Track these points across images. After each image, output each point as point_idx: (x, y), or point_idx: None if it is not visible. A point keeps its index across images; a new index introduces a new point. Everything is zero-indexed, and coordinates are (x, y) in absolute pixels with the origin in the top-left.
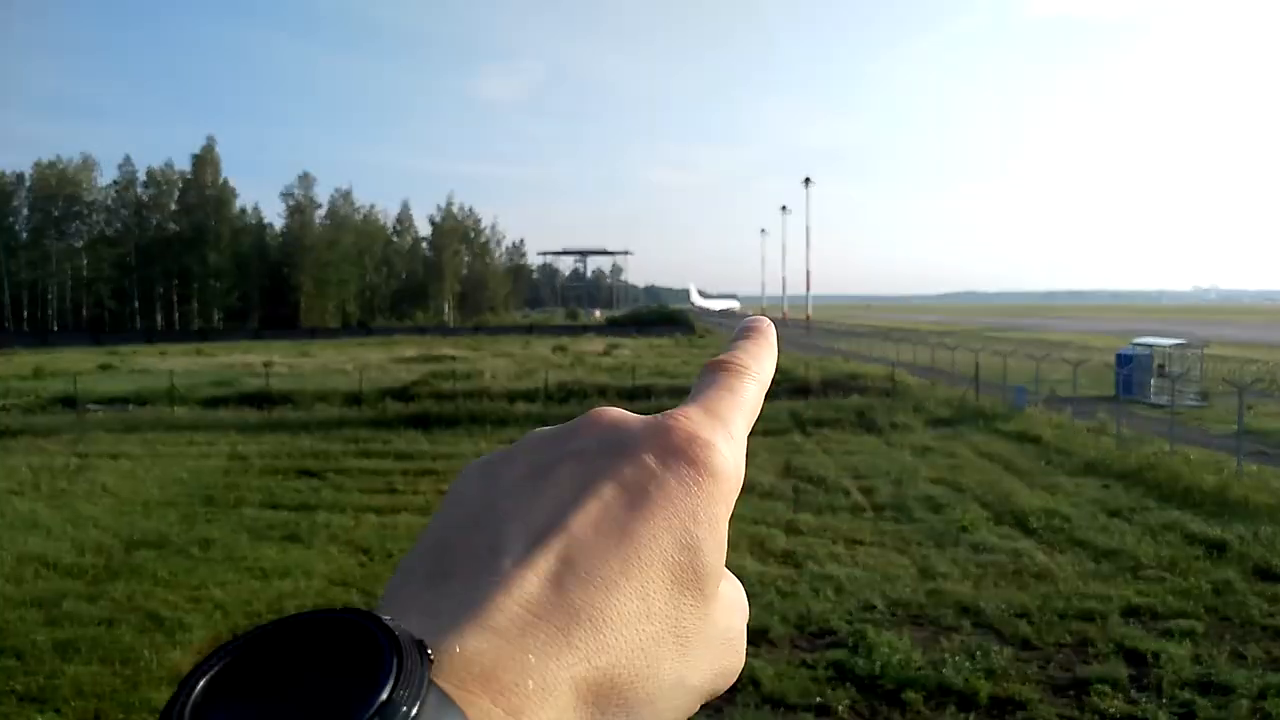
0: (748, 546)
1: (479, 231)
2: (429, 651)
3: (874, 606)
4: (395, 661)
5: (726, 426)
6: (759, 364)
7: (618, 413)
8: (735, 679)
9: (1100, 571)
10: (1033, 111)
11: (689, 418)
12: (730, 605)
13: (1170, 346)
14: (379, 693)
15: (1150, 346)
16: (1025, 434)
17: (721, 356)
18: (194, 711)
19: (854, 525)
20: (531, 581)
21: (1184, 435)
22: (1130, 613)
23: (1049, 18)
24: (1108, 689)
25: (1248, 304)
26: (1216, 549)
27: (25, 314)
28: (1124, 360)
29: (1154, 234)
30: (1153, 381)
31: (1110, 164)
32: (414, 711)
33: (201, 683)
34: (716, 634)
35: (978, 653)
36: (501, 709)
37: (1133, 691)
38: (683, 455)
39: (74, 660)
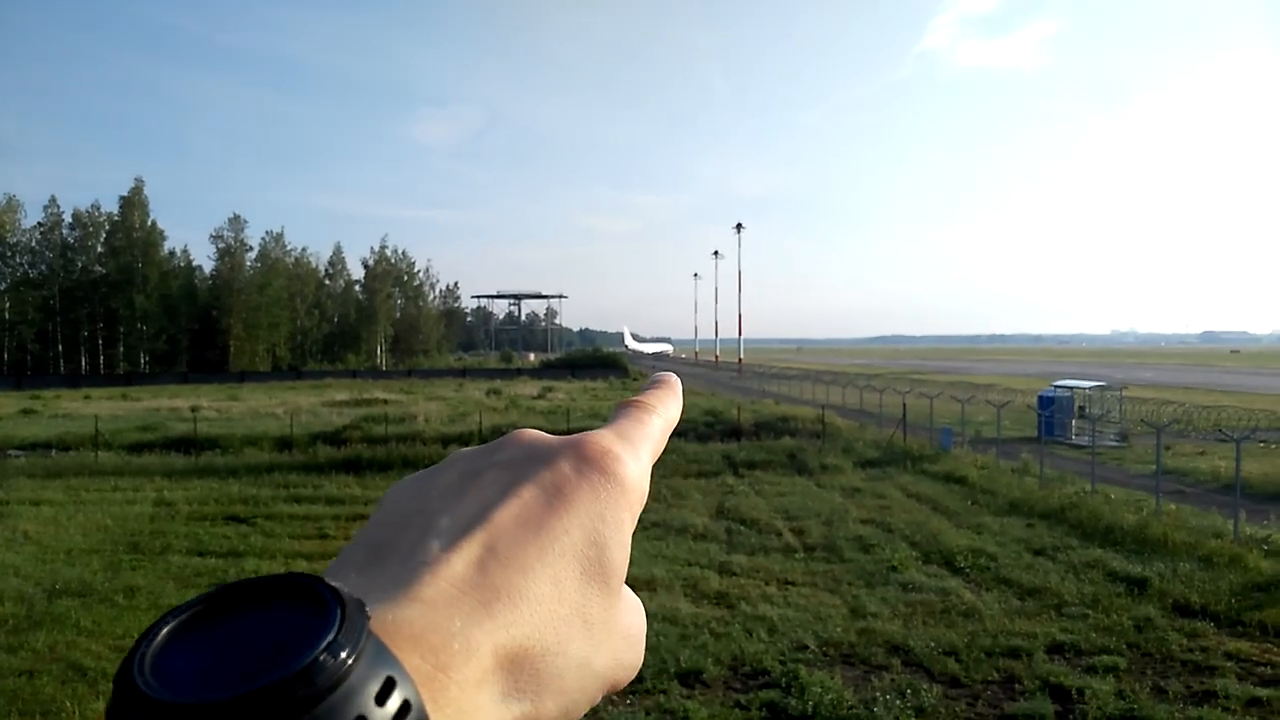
0: (681, 588)
1: (412, 275)
2: (367, 609)
3: (806, 646)
4: (340, 611)
5: (634, 448)
6: (665, 406)
7: (537, 432)
8: (635, 675)
9: (1025, 609)
10: (955, 161)
11: (603, 437)
12: (631, 606)
13: (1090, 389)
14: (325, 634)
15: (1071, 389)
16: (952, 475)
17: (634, 397)
18: (154, 656)
19: (786, 566)
20: (457, 563)
21: (1104, 475)
22: (1055, 649)
23: (971, 69)
24: None
25: (1164, 347)
26: (1137, 586)
27: None
28: (1045, 402)
29: (1073, 280)
30: (1074, 423)
31: (1030, 211)
32: (356, 653)
33: (163, 631)
34: (619, 628)
35: (908, 691)
36: (430, 665)
37: None
38: (595, 465)
39: None
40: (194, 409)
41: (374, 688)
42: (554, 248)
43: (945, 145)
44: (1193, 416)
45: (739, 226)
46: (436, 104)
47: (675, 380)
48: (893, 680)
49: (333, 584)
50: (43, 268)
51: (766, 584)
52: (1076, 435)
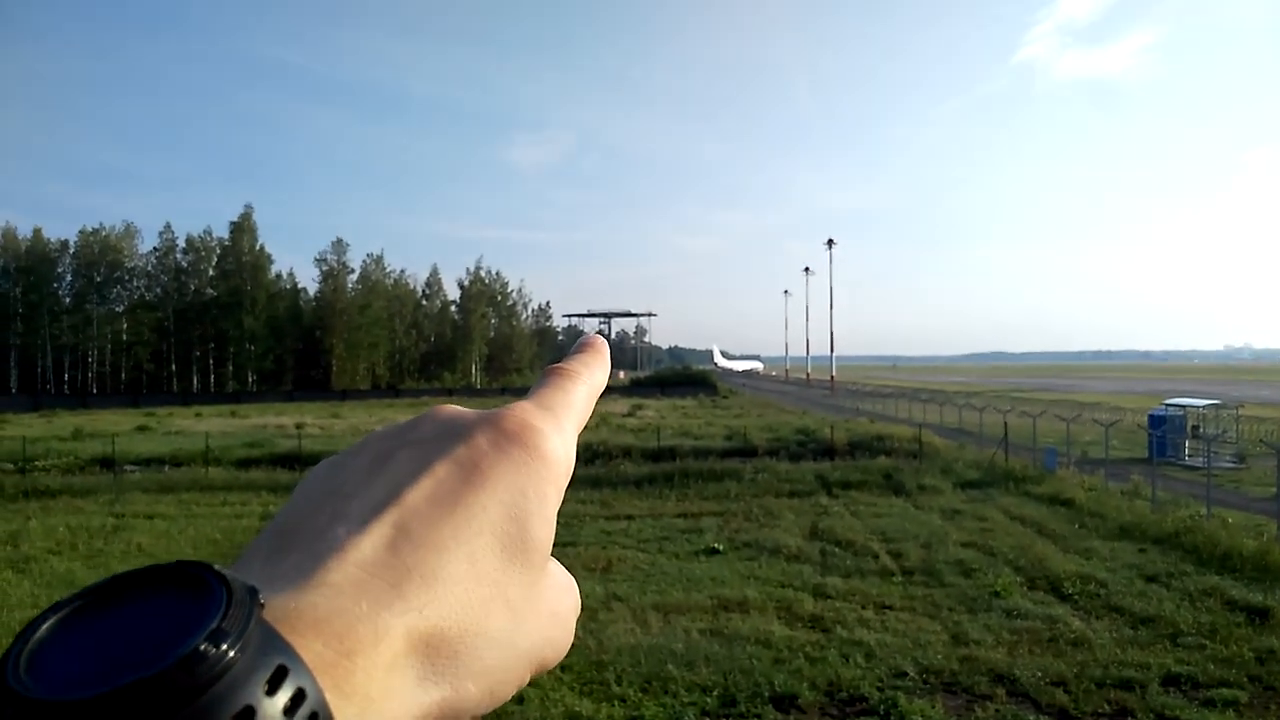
0: (775, 610)
1: (506, 295)
2: (260, 597)
3: (905, 673)
4: (226, 598)
5: (557, 419)
6: (591, 372)
7: (455, 407)
8: (564, 654)
9: (1138, 638)
10: (1058, 172)
11: (523, 409)
12: (560, 585)
13: (1204, 407)
14: (208, 623)
15: (1183, 407)
16: (1057, 497)
17: (558, 364)
18: (33, 651)
19: (883, 589)
20: (366, 546)
21: (1221, 498)
22: (1170, 681)
23: (1069, 80)
24: None
25: None
26: (1259, 615)
27: (66, 377)
28: (1156, 421)
29: (1184, 293)
30: (1187, 443)
31: (1138, 223)
32: (242, 642)
33: (43, 627)
34: (545, 605)
35: None
36: (334, 651)
37: None
38: (515, 439)
39: None
40: (298, 426)
41: (263, 677)
42: (644, 266)
43: (1042, 158)
44: None
45: (830, 242)
46: (531, 129)
47: (602, 343)
48: (997, 710)
49: (222, 571)
50: (158, 291)
51: (863, 608)
52: (1190, 456)
